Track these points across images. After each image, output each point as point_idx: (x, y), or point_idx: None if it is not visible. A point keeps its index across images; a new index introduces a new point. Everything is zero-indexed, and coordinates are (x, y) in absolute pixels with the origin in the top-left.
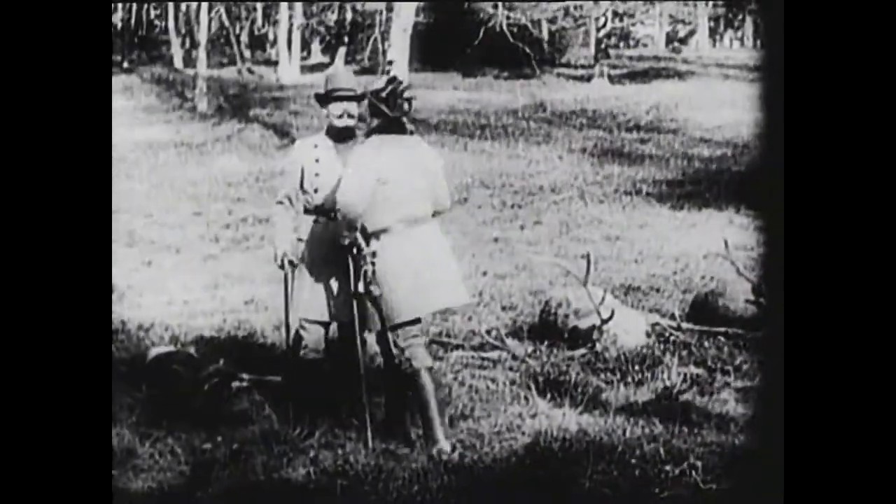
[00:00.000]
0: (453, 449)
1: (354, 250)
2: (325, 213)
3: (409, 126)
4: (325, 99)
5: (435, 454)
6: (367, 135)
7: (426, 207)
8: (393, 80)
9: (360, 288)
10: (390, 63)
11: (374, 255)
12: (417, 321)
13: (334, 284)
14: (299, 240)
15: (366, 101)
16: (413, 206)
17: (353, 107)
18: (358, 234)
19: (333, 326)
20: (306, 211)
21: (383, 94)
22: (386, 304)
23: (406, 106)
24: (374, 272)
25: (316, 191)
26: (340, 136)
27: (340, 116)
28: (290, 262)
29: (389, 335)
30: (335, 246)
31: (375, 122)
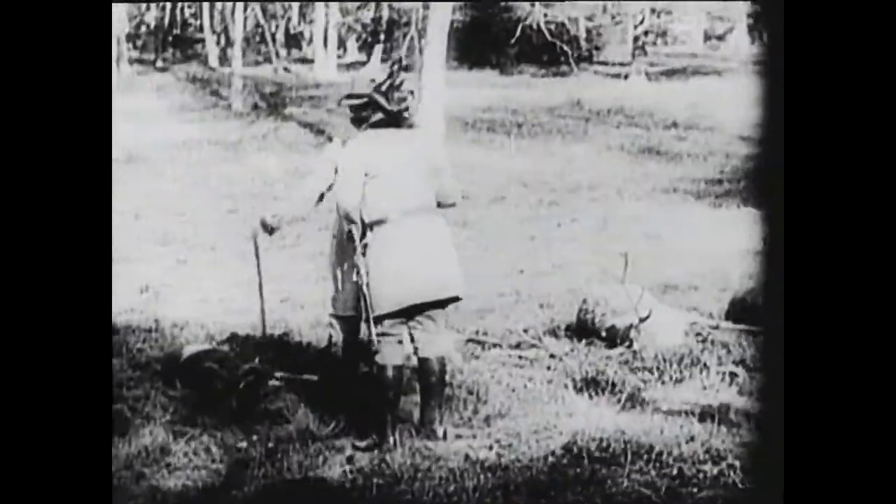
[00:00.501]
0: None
1: (349, 240)
2: None
3: (410, 119)
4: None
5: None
6: (364, 129)
7: (426, 199)
8: (392, 73)
9: (354, 278)
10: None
11: (365, 246)
12: (399, 315)
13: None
14: (333, 236)
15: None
16: (410, 197)
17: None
18: (353, 227)
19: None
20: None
21: (383, 88)
22: (372, 293)
23: (408, 98)
24: (364, 263)
25: None
26: None
27: (354, 122)
28: (268, 227)
29: (371, 326)
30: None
31: (376, 116)
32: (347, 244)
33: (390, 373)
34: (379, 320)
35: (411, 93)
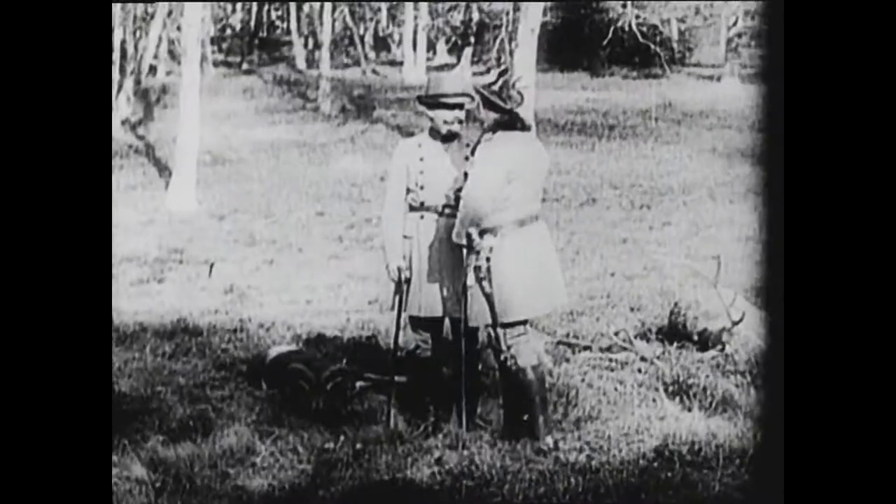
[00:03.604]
0: (556, 445)
1: (468, 245)
2: (431, 209)
3: (528, 121)
4: (431, 103)
5: (538, 449)
6: (491, 130)
7: (537, 206)
8: (504, 72)
9: (471, 282)
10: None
11: (490, 250)
12: (525, 321)
13: (445, 279)
14: (405, 237)
15: (477, 99)
16: (528, 204)
17: (462, 113)
18: (473, 230)
19: (447, 323)
20: (412, 208)
21: (495, 88)
22: (498, 301)
23: (519, 98)
24: (488, 268)
25: (422, 188)
26: (446, 136)
27: (448, 122)
28: (406, 280)
29: (499, 332)
30: (443, 241)
31: (492, 116)
32: (456, 247)
33: (530, 374)
34: (504, 327)
35: (521, 94)
